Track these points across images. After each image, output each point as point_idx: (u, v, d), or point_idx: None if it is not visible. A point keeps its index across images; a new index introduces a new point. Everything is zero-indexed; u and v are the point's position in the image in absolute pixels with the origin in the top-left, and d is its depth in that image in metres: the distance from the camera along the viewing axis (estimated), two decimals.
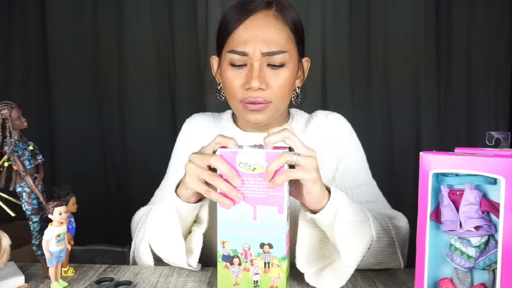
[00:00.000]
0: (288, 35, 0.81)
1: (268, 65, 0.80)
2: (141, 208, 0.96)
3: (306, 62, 0.90)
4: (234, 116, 0.96)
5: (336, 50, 1.90)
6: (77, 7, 1.96)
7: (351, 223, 0.67)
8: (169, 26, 1.95)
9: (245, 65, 0.80)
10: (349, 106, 1.89)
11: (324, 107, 1.88)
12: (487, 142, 0.57)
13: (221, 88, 0.89)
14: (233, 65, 0.81)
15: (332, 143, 0.91)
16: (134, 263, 0.86)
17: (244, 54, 0.78)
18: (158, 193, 0.99)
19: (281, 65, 0.80)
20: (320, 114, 0.96)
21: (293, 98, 0.89)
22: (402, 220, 0.86)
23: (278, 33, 0.79)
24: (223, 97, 0.89)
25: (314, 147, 0.88)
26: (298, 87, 0.90)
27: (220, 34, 0.84)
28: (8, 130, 0.68)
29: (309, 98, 1.88)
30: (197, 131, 0.97)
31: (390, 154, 1.91)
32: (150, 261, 0.79)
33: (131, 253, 0.87)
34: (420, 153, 0.55)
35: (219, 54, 0.87)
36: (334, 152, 0.91)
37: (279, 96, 0.82)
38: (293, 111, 0.97)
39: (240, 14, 0.80)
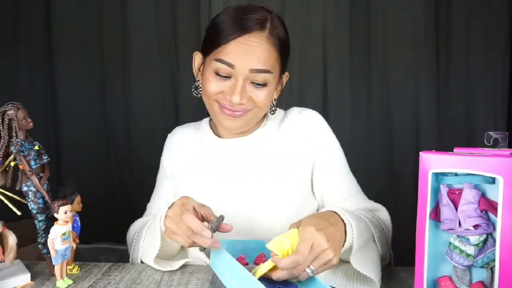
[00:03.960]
0: (276, 57, 0.83)
1: (252, 82, 0.81)
2: (136, 221, 0.99)
3: (285, 77, 0.92)
4: (212, 122, 0.97)
5: (336, 50, 1.90)
6: (82, 10, 1.98)
7: (361, 248, 0.69)
8: (172, 24, 1.95)
9: (230, 77, 0.81)
10: (349, 106, 1.90)
11: (324, 106, 1.88)
12: (485, 142, 0.57)
13: (199, 85, 0.89)
14: (217, 74, 0.81)
15: (306, 141, 0.91)
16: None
17: (231, 66, 0.79)
18: (149, 207, 1.01)
19: (264, 84, 0.82)
20: (294, 111, 0.96)
21: (269, 109, 0.91)
22: (384, 213, 0.88)
23: (268, 55, 0.81)
24: (199, 95, 0.89)
25: (288, 145, 0.91)
26: (274, 99, 0.91)
27: (210, 40, 0.84)
28: (14, 130, 0.69)
29: (308, 98, 1.89)
30: (179, 145, 0.99)
31: (390, 154, 1.92)
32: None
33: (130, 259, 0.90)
34: (420, 153, 0.56)
35: (204, 55, 0.86)
36: (310, 150, 0.91)
37: (259, 107, 0.84)
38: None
39: (234, 29, 0.80)
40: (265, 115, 0.96)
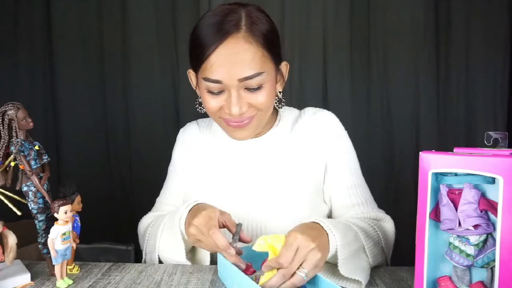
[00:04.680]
0: (262, 54, 0.77)
1: (246, 88, 0.78)
2: (145, 216, 0.99)
3: (284, 66, 0.87)
4: None
5: (336, 50, 1.90)
6: (82, 10, 1.98)
7: (348, 258, 0.69)
8: (172, 24, 1.95)
9: (223, 91, 0.79)
10: (349, 106, 1.90)
11: (324, 106, 1.88)
12: (485, 142, 0.57)
13: (202, 101, 0.87)
14: (210, 92, 0.80)
15: (320, 142, 0.90)
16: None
17: (218, 82, 0.77)
18: (159, 202, 1.01)
19: (259, 87, 0.78)
20: (308, 112, 0.94)
21: (276, 103, 0.88)
22: (389, 223, 0.87)
23: (251, 57, 0.76)
24: (203, 110, 0.88)
25: (301, 147, 0.90)
26: (279, 92, 0.88)
27: (193, 57, 0.81)
28: (14, 130, 0.69)
29: (308, 98, 1.89)
30: (191, 142, 0.98)
31: (390, 154, 1.92)
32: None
33: (143, 261, 0.91)
34: (420, 153, 0.56)
35: (195, 72, 0.84)
36: (323, 152, 0.90)
37: (262, 109, 0.82)
38: (281, 110, 0.95)
39: (210, 41, 0.76)
40: (277, 113, 0.94)
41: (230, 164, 0.91)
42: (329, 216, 0.94)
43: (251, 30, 0.77)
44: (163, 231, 0.83)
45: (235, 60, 0.75)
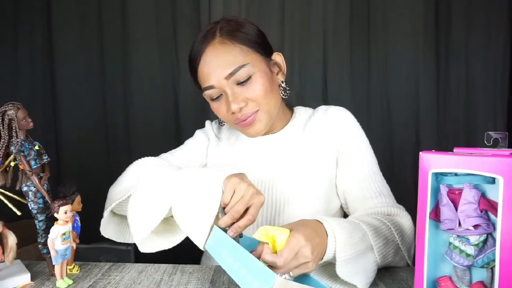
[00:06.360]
0: (240, 49, 0.82)
1: (237, 84, 0.82)
2: (143, 158, 0.96)
3: (277, 56, 0.90)
4: None
5: (336, 50, 1.90)
6: (82, 9, 1.99)
7: (352, 259, 0.68)
8: (172, 23, 1.95)
9: (221, 95, 0.84)
10: (350, 106, 1.90)
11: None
12: (485, 142, 0.57)
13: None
14: (212, 99, 0.86)
15: (331, 136, 0.91)
16: (122, 209, 0.81)
17: (212, 87, 0.83)
18: (167, 156, 1.00)
19: (248, 78, 0.82)
20: (321, 109, 0.97)
21: (282, 93, 0.91)
22: (405, 218, 0.85)
23: (229, 55, 0.81)
24: (223, 123, 0.99)
25: (314, 142, 0.91)
26: (282, 81, 0.91)
27: (192, 74, 0.89)
28: (14, 130, 0.69)
29: (308, 98, 1.90)
30: (214, 136, 1.02)
31: (390, 154, 1.92)
32: (148, 210, 0.72)
33: (125, 194, 0.80)
34: (420, 153, 0.56)
35: (200, 89, 0.90)
36: (334, 146, 0.91)
37: (263, 100, 0.84)
38: (297, 108, 0.99)
39: (196, 54, 0.85)
40: (293, 112, 0.98)
41: (246, 160, 0.94)
42: (342, 209, 0.95)
43: (225, 34, 0.83)
44: (187, 168, 0.75)
45: (217, 62, 0.82)
